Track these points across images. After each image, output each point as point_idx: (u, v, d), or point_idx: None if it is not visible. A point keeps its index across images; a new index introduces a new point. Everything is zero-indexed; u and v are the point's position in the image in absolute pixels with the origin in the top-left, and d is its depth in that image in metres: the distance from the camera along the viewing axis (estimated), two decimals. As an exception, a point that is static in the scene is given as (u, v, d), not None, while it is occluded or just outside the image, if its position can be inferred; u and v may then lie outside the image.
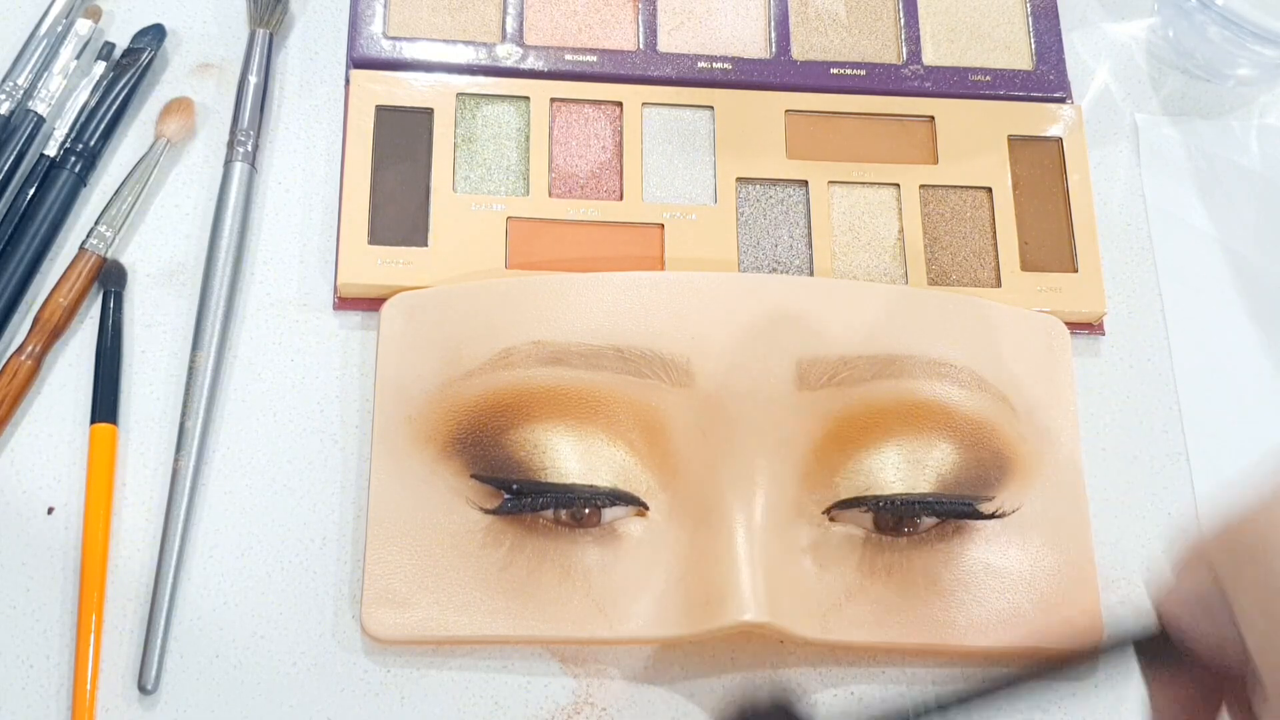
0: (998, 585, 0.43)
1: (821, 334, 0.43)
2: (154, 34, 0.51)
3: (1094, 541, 0.45)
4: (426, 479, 0.42)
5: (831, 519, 0.43)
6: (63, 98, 0.50)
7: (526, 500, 0.41)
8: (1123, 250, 0.54)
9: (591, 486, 0.42)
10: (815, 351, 0.43)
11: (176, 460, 0.44)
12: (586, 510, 0.42)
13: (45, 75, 0.50)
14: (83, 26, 0.51)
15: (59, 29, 0.51)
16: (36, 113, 0.49)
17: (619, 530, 0.42)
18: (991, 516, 0.43)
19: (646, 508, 0.42)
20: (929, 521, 0.43)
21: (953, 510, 0.43)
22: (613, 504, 0.42)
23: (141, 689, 0.41)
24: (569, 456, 0.42)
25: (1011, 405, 0.44)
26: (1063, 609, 0.44)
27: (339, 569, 0.44)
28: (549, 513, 0.42)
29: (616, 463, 0.42)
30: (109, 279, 0.47)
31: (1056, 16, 0.56)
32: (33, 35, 0.50)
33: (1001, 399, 0.44)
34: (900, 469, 0.43)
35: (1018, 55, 0.55)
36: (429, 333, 0.44)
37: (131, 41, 0.51)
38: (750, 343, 0.43)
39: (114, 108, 0.49)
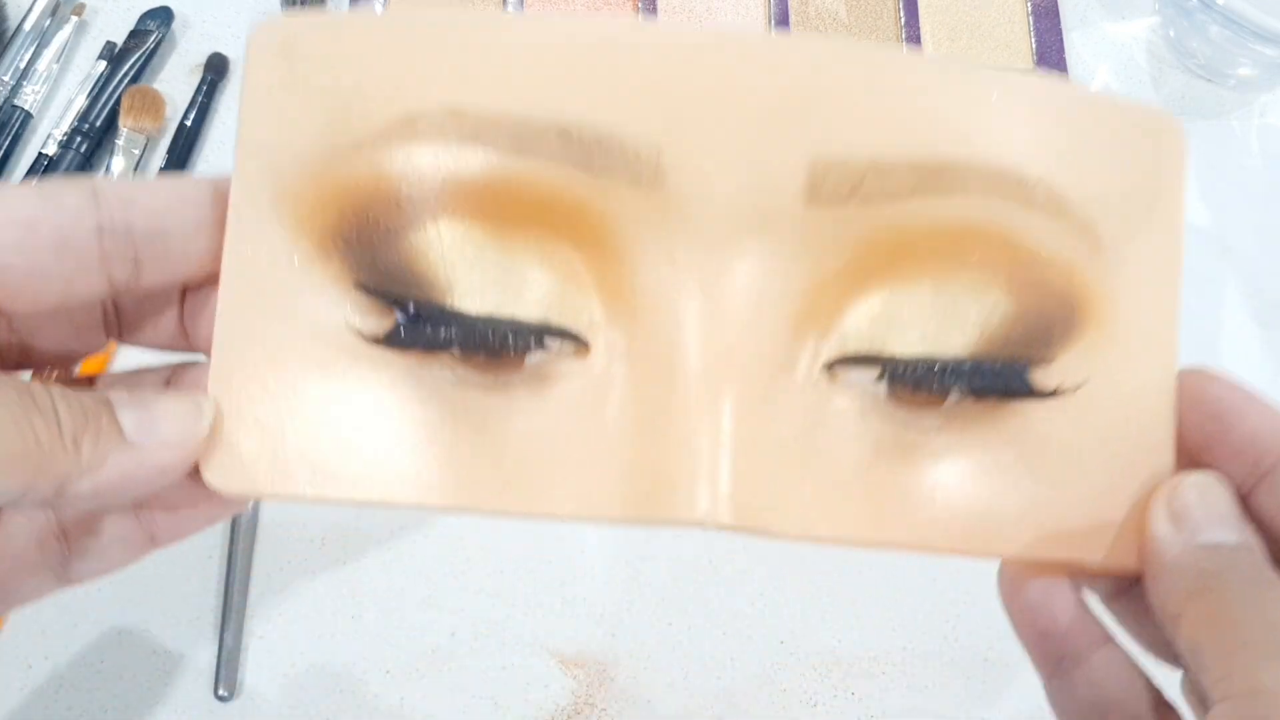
0: (1041, 478, 0.33)
1: (848, 125, 0.31)
2: (162, 16, 0.51)
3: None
4: (296, 284, 0.31)
5: (833, 377, 0.32)
6: (57, 93, 0.50)
7: (425, 330, 0.31)
8: (1123, 250, 0.53)
9: (514, 320, 0.31)
10: (836, 151, 0.31)
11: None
12: (504, 351, 0.31)
13: (31, 70, 0.50)
14: (70, 23, 0.51)
15: (45, 24, 0.51)
16: (24, 109, 0.49)
17: (548, 373, 0.32)
18: (1050, 395, 0.32)
19: (587, 345, 0.32)
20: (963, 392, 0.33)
21: (998, 386, 0.32)
22: (541, 343, 0.31)
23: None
24: (486, 274, 0.31)
25: (1097, 236, 0.33)
26: (1118, 516, 0.33)
27: (338, 570, 0.44)
28: (455, 349, 0.31)
29: (550, 286, 0.32)
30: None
31: (1057, 16, 0.56)
32: (18, 30, 0.50)
33: (1085, 228, 0.32)
34: (932, 319, 0.32)
35: (1018, 54, 0.55)
36: (310, 78, 0.32)
37: (127, 40, 0.51)
38: (747, 134, 0.31)
39: (109, 104, 0.49)
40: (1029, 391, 0.32)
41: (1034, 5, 0.56)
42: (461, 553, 0.45)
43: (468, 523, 0.46)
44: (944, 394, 0.32)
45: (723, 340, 0.32)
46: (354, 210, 0.31)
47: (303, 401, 0.31)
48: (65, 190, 0.26)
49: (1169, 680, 0.31)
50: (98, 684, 0.42)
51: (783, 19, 0.54)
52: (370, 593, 0.44)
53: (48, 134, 0.49)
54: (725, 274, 0.32)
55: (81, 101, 0.49)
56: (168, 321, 0.30)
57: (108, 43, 0.51)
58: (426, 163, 0.31)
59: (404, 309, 0.31)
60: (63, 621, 0.42)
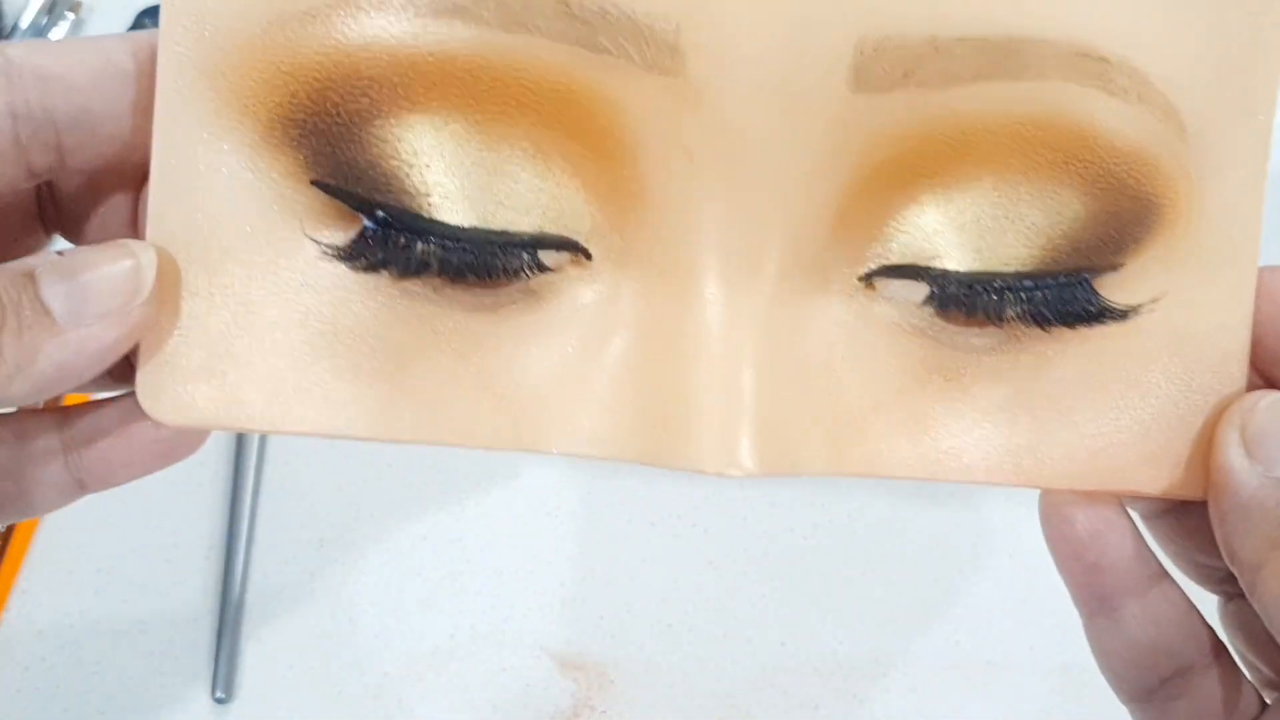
0: (1102, 401, 0.29)
1: None
2: (158, 15, 0.51)
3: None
4: (239, 177, 0.26)
5: (871, 288, 0.28)
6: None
7: (396, 244, 0.26)
8: (1126, 249, 0.53)
9: (505, 233, 0.26)
10: (887, 27, 0.26)
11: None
12: (493, 274, 0.27)
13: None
14: (67, 20, 0.51)
15: (43, 22, 0.51)
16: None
17: (539, 290, 0.27)
18: (1123, 315, 0.28)
19: (588, 256, 0.27)
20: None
21: (1064, 310, 0.28)
22: (537, 263, 0.27)
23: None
24: (469, 176, 0.26)
25: (1182, 123, 0.28)
26: (1182, 440, 0.29)
27: (336, 571, 0.43)
28: (433, 269, 0.26)
29: (544, 187, 0.27)
30: None
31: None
32: (14, 28, 0.50)
33: (1170, 114, 0.28)
34: (991, 227, 0.28)
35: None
36: None
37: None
38: (783, 8, 0.26)
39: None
40: (1099, 314, 0.28)
41: None
42: (460, 554, 0.45)
43: (466, 523, 0.46)
44: (999, 315, 0.28)
45: (746, 250, 0.27)
46: (307, 93, 0.25)
47: (253, 318, 0.26)
48: None
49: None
50: (95, 686, 0.41)
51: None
52: (368, 595, 0.44)
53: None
54: (751, 173, 0.27)
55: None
56: (116, 214, 0.26)
57: (104, 40, 0.51)
58: (395, 36, 0.25)
59: (370, 215, 0.26)
60: (59, 623, 0.42)
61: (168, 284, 0.25)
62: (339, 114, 0.25)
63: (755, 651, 0.44)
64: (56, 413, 0.25)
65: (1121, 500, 0.29)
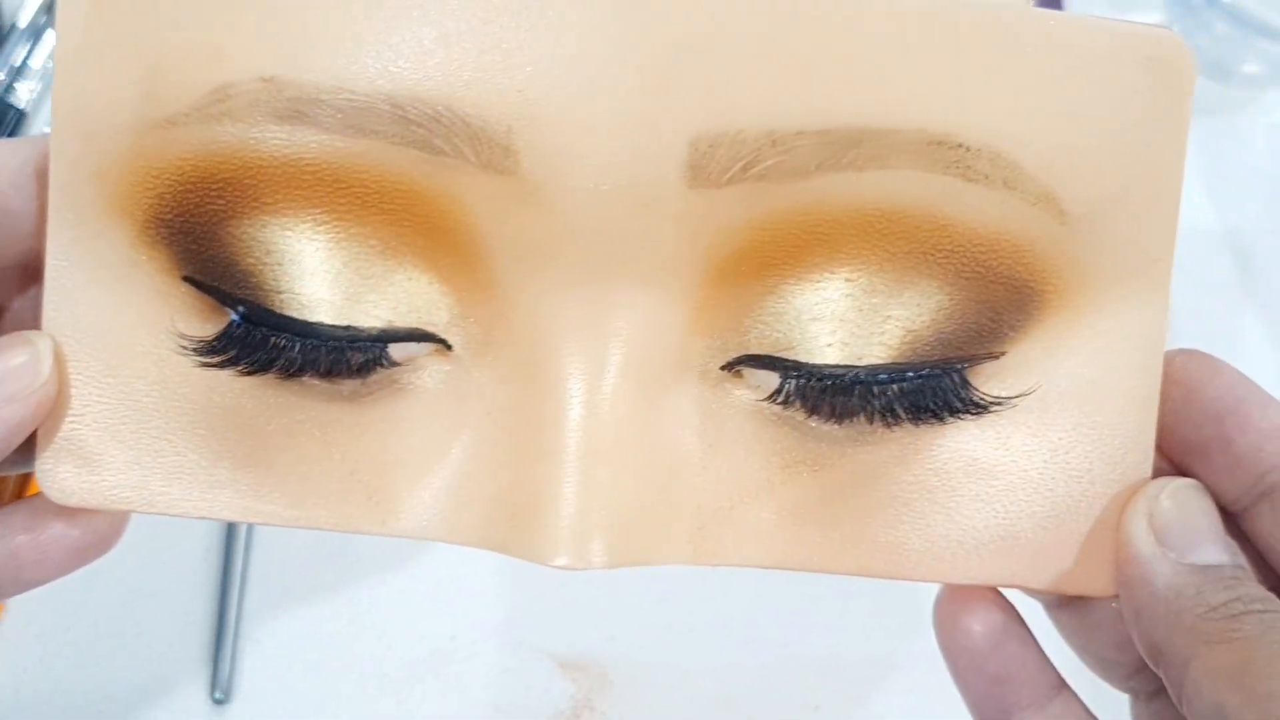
0: (985, 492, 0.28)
1: (736, 90, 0.26)
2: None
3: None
4: (122, 272, 0.28)
5: (736, 373, 0.28)
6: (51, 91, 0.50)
7: (258, 338, 0.27)
8: (1128, 249, 0.53)
9: (350, 328, 0.27)
10: (724, 123, 0.26)
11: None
12: (345, 369, 0.27)
13: (25, 68, 0.50)
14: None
15: (41, 21, 0.51)
16: (18, 107, 0.49)
17: (400, 380, 0.28)
18: (988, 407, 0.27)
19: (448, 346, 0.28)
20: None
21: (926, 401, 0.27)
22: (387, 358, 0.27)
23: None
24: (320, 273, 0.27)
25: (1060, 207, 0.27)
26: (1084, 532, 0.28)
27: (336, 571, 0.43)
28: (293, 363, 0.28)
29: (395, 282, 0.27)
30: None
31: (1061, 11, 0.56)
32: (12, 27, 0.50)
33: (1044, 198, 0.26)
34: (851, 319, 0.27)
35: (1022, 51, 0.55)
36: (124, 36, 0.26)
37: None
38: (616, 105, 0.26)
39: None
40: (970, 407, 0.27)
41: (1039, 1, 0.56)
42: (459, 555, 0.45)
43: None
44: (865, 407, 0.27)
45: (600, 343, 0.27)
46: (173, 194, 0.27)
47: (135, 405, 0.28)
48: None
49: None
50: (94, 686, 0.41)
51: None
52: (368, 596, 0.44)
53: (42, 132, 0.49)
54: (598, 268, 0.27)
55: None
56: (31, 307, 0.28)
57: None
58: (242, 141, 0.26)
59: (236, 310, 0.27)
60: (58, 625, 0.42)
61: (65, 372, 0.27)
62: (199, 214, 0.27)
63: (755, 651, 0.44)
64: None
65: (1015, 609, 0.28)
